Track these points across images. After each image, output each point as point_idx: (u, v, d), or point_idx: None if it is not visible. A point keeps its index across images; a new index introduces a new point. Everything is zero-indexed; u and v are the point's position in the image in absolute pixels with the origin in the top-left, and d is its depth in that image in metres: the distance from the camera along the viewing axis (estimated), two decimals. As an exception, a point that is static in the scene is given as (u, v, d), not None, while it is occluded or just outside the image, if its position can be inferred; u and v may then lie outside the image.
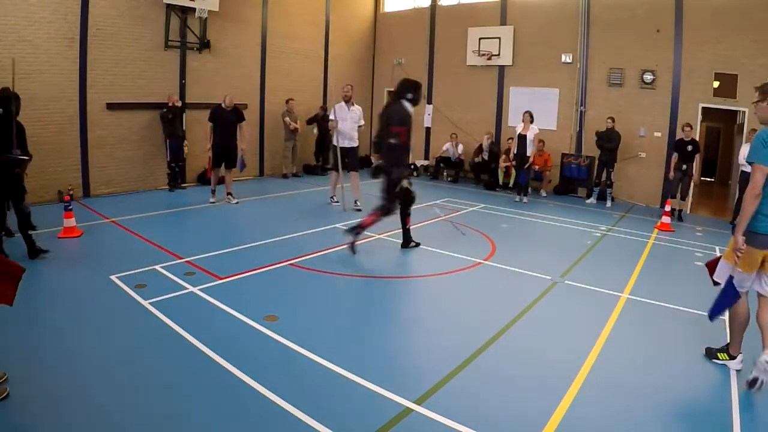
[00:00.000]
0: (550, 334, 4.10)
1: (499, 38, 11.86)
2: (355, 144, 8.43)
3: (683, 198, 9.25)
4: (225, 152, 8.33)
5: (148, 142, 9.30)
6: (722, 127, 14.49)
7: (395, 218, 6.19)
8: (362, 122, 8.52)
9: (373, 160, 14.02)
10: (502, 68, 12.05)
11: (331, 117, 8.37)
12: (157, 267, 5.19)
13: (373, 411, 2.92)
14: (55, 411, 2.78)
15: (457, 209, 8.94)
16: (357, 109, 8.42)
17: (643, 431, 2.87)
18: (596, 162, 10.31)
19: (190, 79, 9.83)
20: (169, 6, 9.20)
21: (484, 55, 12.10)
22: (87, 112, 8.37)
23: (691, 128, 9.02)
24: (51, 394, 2.93)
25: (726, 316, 3.76)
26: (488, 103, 12.36)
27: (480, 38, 12.16)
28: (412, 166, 12.25)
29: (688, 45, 9.59)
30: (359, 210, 8.20)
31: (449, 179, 12.57)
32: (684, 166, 8.93)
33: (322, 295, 4.79)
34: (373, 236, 6.76)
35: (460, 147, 12.35)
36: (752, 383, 3.22)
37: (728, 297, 3.49)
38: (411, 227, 6.38)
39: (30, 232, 5.35)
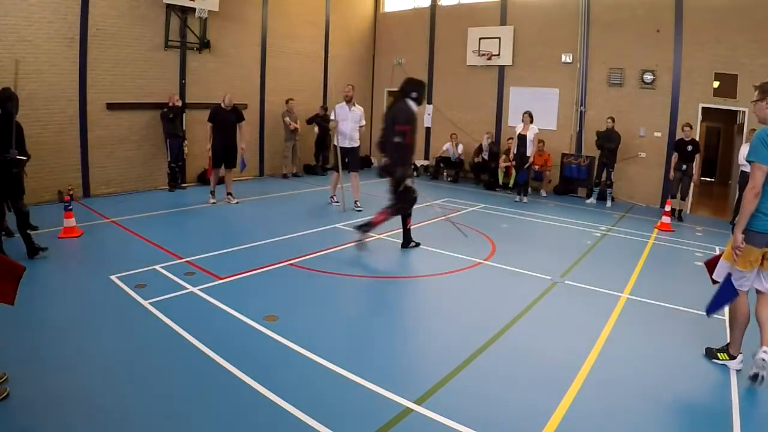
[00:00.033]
0: (550, 334, 4.10)
1: (499, 38, 11.86)
2: (356, 144, 8.42)
3: (683, 198, 9.25)
4: (225, 152, 8.32)
5: (148, 142, 9.30)
6: (722, 127, 14.49)
7: (396, 218, 6.18)
8: (363, 122, 8.51)
9: (373, 161, 14.20)
10: (502, 68, 12.05)
11: (332, 117, 8.38)
12: (157, 267, 5.19)
13: (373, 411, 2.92)
14: (55, 411, 2.78)
15: (457, 209, 8.94)
16: (358, 109, 8.41)
17: (643, 431, 2.87)
18: (596, 162, 10.32)
19: (190, 79, 9.83)
20: (169, 6, 9.19)
21: (484, 55, 12.10)
22: (87, 112, 8.37)
23: (691, 128, 9.02)
24: (51, 394, 2.94)
25: (726, 316, 3.76)
26: (488, 103, 12.36)
27: (480, 38, 12.16)
28: (413, 166, 12.26)
29: (688, 45, 9.59)
30: (359, 210, 8.20)
31: (449, 179, 12.57)
32: (684, 166, 8.93)
33: (322, 295, 4.79)
34: (373, 236, 6.75)
35: (460, 147, 12.35)
36: (754, 378, 3.28)
37: (726, 294, 3.51)
38: (411, 227, 6.38)
39: (29, 231, 5.36)
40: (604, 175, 9.99)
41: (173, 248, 5.82)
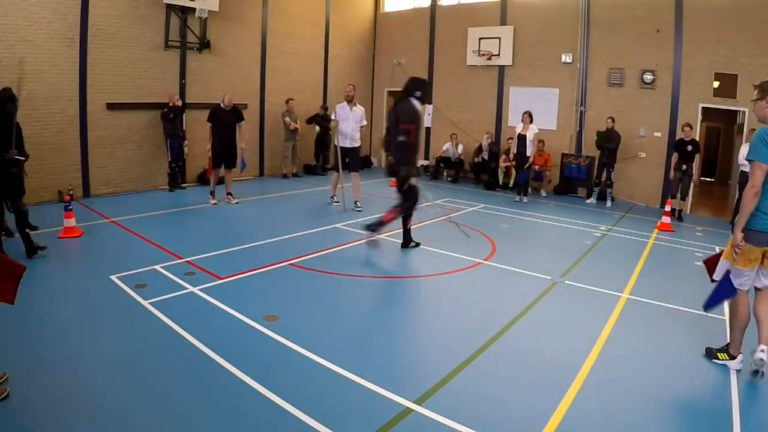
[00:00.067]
0: (550, 334, 4.10)
1: (499, 38, 11.87)
2: (357, 144, 8.41)
3: (683, 198, 9.25)
4: (224, 152, 8.31)
5: (148, 142, 9.30)
6: (722, 127, 14.49)
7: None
8: (364, 122, 8.50)
9: (373, 161, 14.21)
10: (502, 68, 12.05)
11: (333, 117, 8.38)
12: (157, 267, 5.19)
13: (373, 411, 2.92)
14: (55, 411, 2.78)
15: (457, 209, 8.94)
16: (359, 109, 8.40)
17: (643, 431, 2.87)
18: (596, 162, 10.32)
19: (190, 79, 9.83)
20: (169, 6, 9.19)
21: (484, 55, 12.10)
22: (87, 112, 8.37)
23: (691, 128, 9.02)
24: (51, 394, 2.94)
25: (726, 315, 3.77)
26: (488, 103, 12.36)
27: (480, 38, 12.16)
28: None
29: (688, 45, 9.59)
30: (359, 210, 8.20)
31: (449, 179, 12.57)
32: (684, 166, 8.93)
33: (322, 295, 4.79)
34: (372, 236, 6.75)
35: (460, 147, 12.35)
36: (755, 374, 3.36)
37: (724, 290, 3.54)
38: (411, 227, 6.38)
39: (28, 230, 5.36)
40: (604, 175, 9.99)
41: (173, 248, 5.82)
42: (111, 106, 8.69)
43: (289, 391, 3.05)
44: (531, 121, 9.57)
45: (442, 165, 12.74)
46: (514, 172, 10.67)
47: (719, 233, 8.08)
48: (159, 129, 9.24)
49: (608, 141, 9.75)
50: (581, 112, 10.98)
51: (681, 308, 4.72)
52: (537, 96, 11.42)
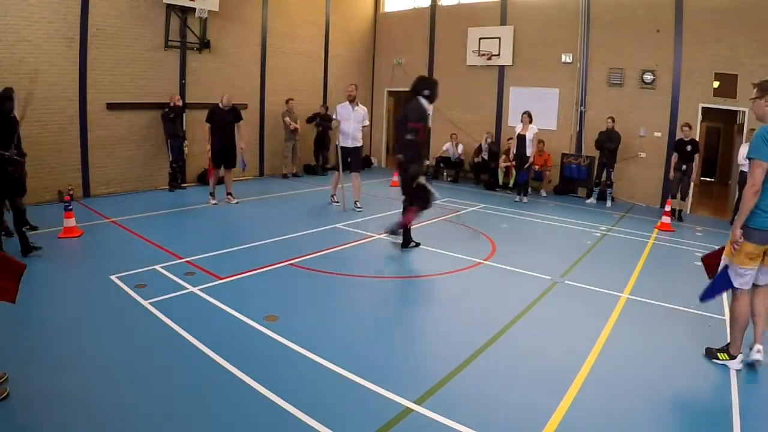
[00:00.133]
0: (550, 334, 4.10)
1: (499, 38, 11.86)
2: (359, 144, 8.39)
3: (683, 198, 9.25)
4: (223, 152, 8.30)
5: (148, 142, 9.29)
6: (722, 127, 14.49)
7: (393, 218, 6.18)
8: (367, 122, 8.49)
9: (373, 161, 14.21)
10: (502, 68, 12.05)
11: (334, 117, 8.37)
12: (157, 267, 5.19)
13: (373, 411, 2.92)
14: (55, 411, 2.78)
15: (457, 209, 8.94)
16: (361, 108, 8.38)
17: (643, 431, 2.87)
18: (596, 162, 10.32)
19: (190, 79, 9.83)
20: (169, 6, 9.19)
21: (484, 55, 12.10)
22: (87, 112, 8.37)
23: (691, 128, 9.02)
24: (51, 394, 2.94)
25: (726, 315, 3.77)
26: (488, 103, 12.36)
27: (480, 38, 12.15)
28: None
29: (688, 45, 9.59)
30: (360, 210, 8.20)
31: (449, 179, 12.57)
32: (684, 166, 8.93)
33: (321, 295, 4.79)
34: (372, 236, 6.77)
35: (460, 147, 12.35)
36: (752, 364, 3.44)
37: (720, 284, 3.56)
38: (411, 227, 6.38)
39: (25, 229, 5.37)
40: (604, 175, 9.99)
41: (173, 248, 5.82)
42: (111, 106, 8.69)
43: (289, 391, 3.05)
44: (530, 121, 9.57)
45: (442, 165, 12.73)
46: (514, 172, 10.67)
47: (719, 233, 8.07)
48: (159, 129, 9.24)
49: (608, 141, 9.75)
50: (581, 112, 10.98)
51: (681, 308, 4.72)
52: (537, 96, 11.41)
